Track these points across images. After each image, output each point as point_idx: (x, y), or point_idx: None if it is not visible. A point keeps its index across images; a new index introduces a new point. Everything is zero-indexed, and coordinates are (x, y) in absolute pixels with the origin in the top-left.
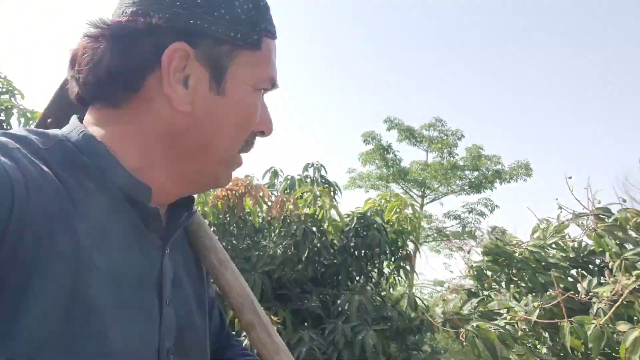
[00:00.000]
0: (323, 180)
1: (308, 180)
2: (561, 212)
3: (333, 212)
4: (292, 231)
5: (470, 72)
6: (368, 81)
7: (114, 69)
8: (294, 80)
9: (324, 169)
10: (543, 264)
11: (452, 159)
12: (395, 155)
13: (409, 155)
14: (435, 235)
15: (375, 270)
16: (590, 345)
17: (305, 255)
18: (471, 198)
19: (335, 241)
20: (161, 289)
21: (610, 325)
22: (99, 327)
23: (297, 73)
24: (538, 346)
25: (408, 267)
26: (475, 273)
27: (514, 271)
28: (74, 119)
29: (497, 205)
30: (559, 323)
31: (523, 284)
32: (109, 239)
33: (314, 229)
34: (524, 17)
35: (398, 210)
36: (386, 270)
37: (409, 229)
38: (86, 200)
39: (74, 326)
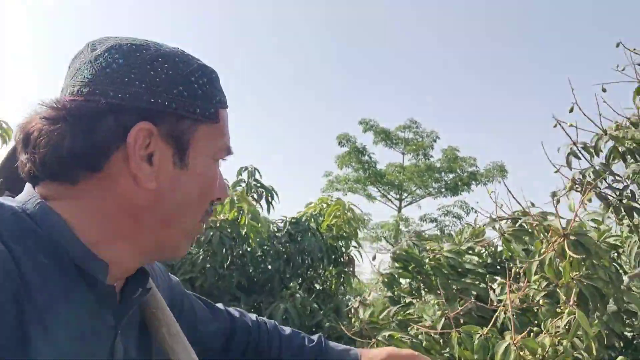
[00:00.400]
0: (258, 185)
1: (242, 184)
2: (477, 215)
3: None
4: (209, 238)
5: (446, 72)
6: (342, 82)
7: (77, 150)
8: (272, 80)
9: (258, 172)
10: (460, 270)
11: (427, 161)
12: (370, 158)
13: (386, 157)
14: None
15: (316, 276)
16: (475, 356)
17: (229, 261)
18: (448, 200)
19: (265, 247)
20: None
21: (497, 336)
22: None
23: (272, 73)
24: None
25: (350, 272)
26: (386, 280)
27: (423, 278)
28: (29, 187)
29: (472, 208)
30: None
31: (436, 291)
32: (59, 322)
33: (235, 235)
34: (507, 17)
35: (338, 214)
36: (329, 275)
37: (349, 232)
38: (38, 277)
39: None
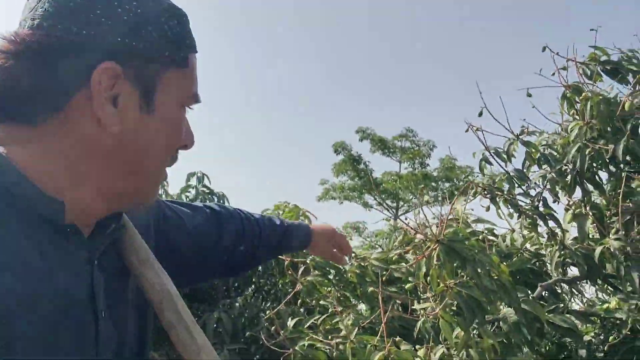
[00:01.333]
0: (207, 191)
1: (191, 190)
2: (408, 222)
3: None
4: None
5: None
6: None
7: (36, 89)
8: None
9: (207, 178)
10: (389, 278)
11: (423, 169)
12: (366, 166)
13: (383, 166)
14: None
15: (270, 284)
16: None
17: None
18: (445, 210)
19: None
20: (94, 302)
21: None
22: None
23: (268, 79)
24: None
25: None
26: (305, 289)
27: (343, 286)
28: None
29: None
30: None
31: (354, 300)
32: (21, 260)
33: None
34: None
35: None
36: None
37: None
38: None
39: None
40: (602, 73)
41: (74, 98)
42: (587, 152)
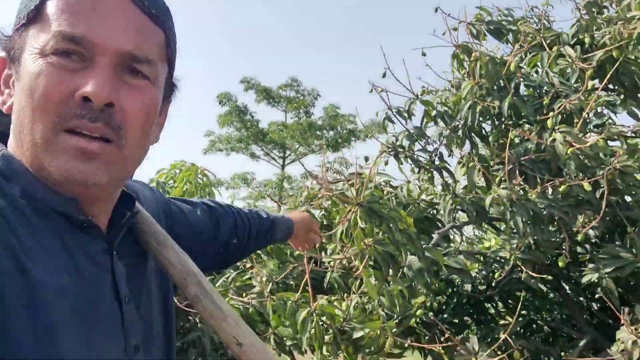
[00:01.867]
0: None
1: None
2: (310, 180)
3: None
4: None
5: (324, 32)
6: (222, 41)
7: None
8: None
9: None
10: None
11: (309, 119)
12: (252, 117)
13: (269, 116)
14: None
15: None
16: (287, 322)
17: None
18: (330, 157)
19: None
20: (117, 289)
21: (308, 301)
22: (56, 347)
23: None
24: None
25: None
26: None
27: None
28: None
29: (351, 164)
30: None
31: (265, 257)
32: (49, 255)
33: None
34: None
35: (190, 180)
36: None
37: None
38: (19, 220)
39: (33, 351)
40: (487, 33)
41: None
42: (477, 109)
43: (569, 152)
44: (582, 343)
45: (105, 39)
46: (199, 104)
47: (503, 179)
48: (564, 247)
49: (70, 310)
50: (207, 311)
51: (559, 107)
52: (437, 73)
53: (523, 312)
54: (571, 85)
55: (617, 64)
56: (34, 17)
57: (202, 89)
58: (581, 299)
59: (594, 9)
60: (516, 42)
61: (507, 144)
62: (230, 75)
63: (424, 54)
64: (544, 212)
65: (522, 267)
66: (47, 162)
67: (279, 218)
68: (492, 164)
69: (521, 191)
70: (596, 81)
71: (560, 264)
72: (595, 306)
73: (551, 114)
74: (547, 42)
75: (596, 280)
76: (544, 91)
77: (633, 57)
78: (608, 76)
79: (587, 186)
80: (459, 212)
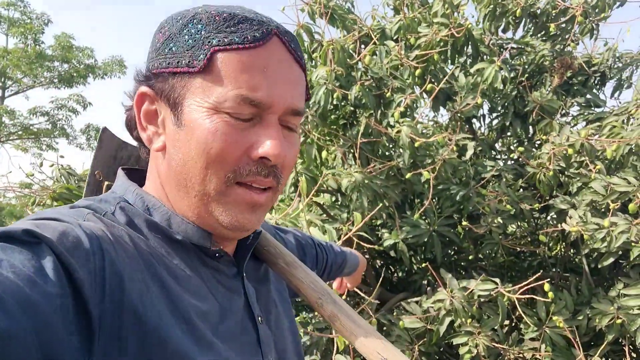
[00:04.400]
0: None
1: None
2: None
3: None
4: None
5: None
6: None
7: (128, 128)
8: None
9: None
10: None
11: (38, 47)
12: None
13: None
14: (21, 132)
15: None
16: None
17: None
18: (62, 93)
19: None
20: (251, 311)
21: None
22: (216, 355)
23: None
24: None
25: None
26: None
27: None
28: (122, 176)
29: (90, 103)
30: None
31: None
32: (188, 283)
33: None
34: None
35: None
36: None
37: None
38: (159, 252)
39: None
40: (319, 16)
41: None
42: (334, 95)
43: (408, 144)
44: (373, 295)
45: (279, 100)
46: None
47: (336, 158)
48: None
49: (213, 332)
50: (345, 329)
51: (399, 101)
52: None
53: None
54: (404, 80)
55: (429, 65)
56: (200, 68)
57: None
58: (367, 256)
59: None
60: (344, 29)
61: (361, 128)
62: None
63: None
64: (381, 192)
65: (360, 242)
66: (219, 212)
67: (348, 254)
68: (325, 143)
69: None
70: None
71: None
72: (378, 263)
73: (398, 108)
74: (375, 34)
75: (392, 244)
76: (383, 84)
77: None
78: (430, 80)
79: (426, 174)
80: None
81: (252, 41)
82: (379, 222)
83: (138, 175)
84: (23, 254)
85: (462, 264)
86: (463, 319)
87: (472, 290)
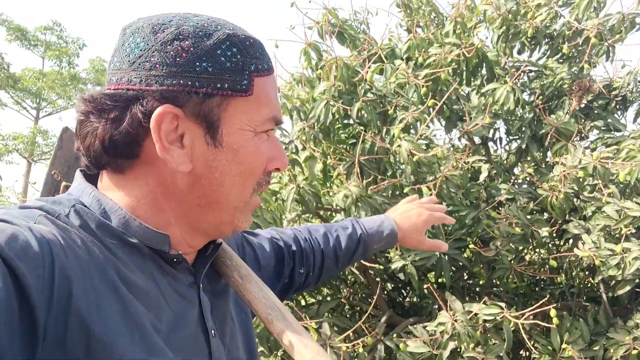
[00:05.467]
0: None
1: None
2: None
3: None
4: None
5: None
6: None
7: (107, 142)
8: None
9: None
10: None
11: (72, 69)
12: (2, 58)
13: (24, 61)
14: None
15: None
16: None
17: None
18: None
19: None
20: (204, 323)
21: None
22: None
23: None
24: None
25: None
26: None
27: None
28: (80, 178)
29: None
30: None
31: None
32: (141, 289)
33: None
34: None
35: None
36: None
37: None
38: (112, 257)
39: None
40: (331, 35)
41: (145, 144)
42: (332, 110)
43: (407, 158)
44: (383, 319)
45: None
46: None
47: (341, 174)
48: None
49: (164, 341)
50: (293, 347)
51: (401, 118)
52: (285, 68)
53: (333, 292)
54: (409, 98)
55: (438, 84)
56: (240, 91)
57: None
58: (377, 279)
59: (411, 28)
60: (354, 47)
61: (360, 144)
62: None
63: (276, 46)
64: (382, 208)
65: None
66: (240, 220)
67: (372, 229)
68: (331, 160)
69: (367, 189)
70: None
71: None
72: (389, 287)
73: (399, 125)
74: (384, 53)
75: (401, 267)
76: (387, 101)
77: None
78: (443, 100)
79: (426, 190)
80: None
81: (271, 68)
82: None
83: (97, 178)
84: None
85: (476, 289)
86: (466, 344)
87: (477, 314)
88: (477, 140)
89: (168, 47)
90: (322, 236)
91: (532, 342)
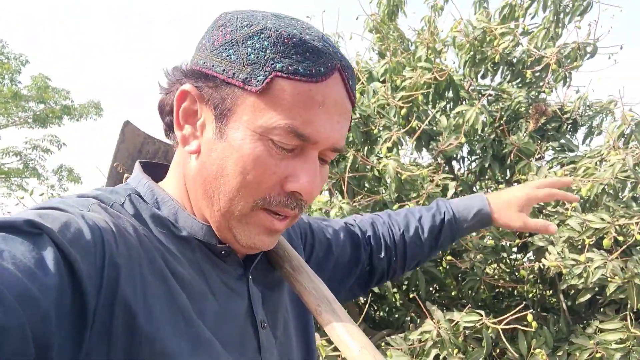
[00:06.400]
0: None
1: None
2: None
3: None
4: None
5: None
6: None
7: (164, 115)
8: None
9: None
10: None
11: (14, 87)
12: None
13: None
14: None
15: None
16: None
17: None
18: (35, 133)
19: None
20: (254, 315)
21: None
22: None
23: None
24: None
25: None
26: None
27: None
28: (137, 169)
29: (64, 143)
30: None
31: None
32: (188, 282)
33: None
34: None
35: None
36: None
37: None
38: (162, 247)
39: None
40: None
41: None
42: None
43: (394, 176)
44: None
45: (327, 138)
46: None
47: (333, 190)
48: None
49: (211, 333)
50: (341, 341)
51: (386, 138)
52: None
53: None
54: (391, 119)
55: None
56: (256, 88)
57: None
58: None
59: (384, 52)
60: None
61: (349, 162)
62: None
63: None
64: None
65: None
66: (237, 231)
67: (459, 210)
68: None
69: (356, 205)
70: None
71: None
72: (361, 301)
73: (385, 144)
74: (363, 76)
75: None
76: (370, 121)
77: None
78: (427, 121)
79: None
80: None
81: (315, 75)
82: None
83: (160, 170)
84: (24, 245)
85: (444, 301)
86: (450, 350)
87: (458, 322)
88: (439, 159)
89: (215, 31)
90: (403, 218)
91: (499, 351)
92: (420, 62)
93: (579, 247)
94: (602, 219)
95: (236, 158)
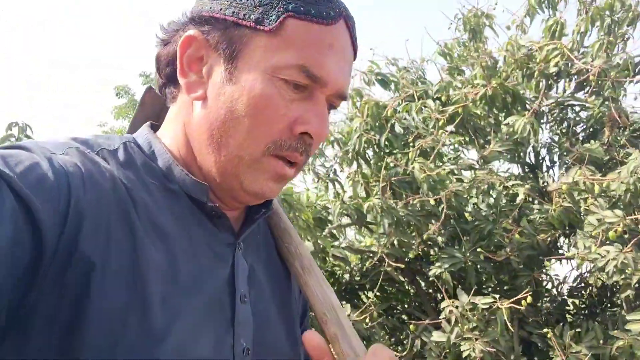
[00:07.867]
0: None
1: (12, 139)
2: None
3: None
4: None
5: None
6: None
7: (161, 67)
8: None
9: (30, 128)
10: None
11: None
12: None
13: None
14: None
15: None
16: None
17: None
18: None
19: None
20: (234, 285)
21: None
22: (158, 332)
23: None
24: None
25: None
26: None
27: None
28: (145, 126)
29: None
30: None
31: None
32: (168, 235)
33: None
34: None
35: None
36: None
37: None
38: (146, 197)
39: (131, 329)
40: (375, 82)
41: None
42: (363, 139)
43: (422, 177)
44: (426, 321)
45: (336, 80)
46: (94, 94)
47: (378, 192)
48: (418, 247)
49: (172, 289)
50: (343, 355)
51: (417, 145)
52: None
53: (386, 297)
54: (429, 129)
55: (461, 116)
56: (268, 28)
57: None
58: (430, 290)
59: (454, 72)
60: (397, 90)
61: (383, 167)
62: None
63: None
64: (404, 219)
65: (387, 259)
66: (245, 177)
67: None
68: (371, 181)
69: (391, 202)
70: (451, 127)
71: (410, 255)
72: (439, 296)
73: (412, 149)
74: (418, 94)
75: (438, 273)
76: (409, 132)
77: (478, 112)
78: (455, 123)
79: (432, 201)
80: (345, 216)
81: (326, 17)
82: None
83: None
84: None
85: (482, 288)
86: (468, 327)
87: (476, 304)
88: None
89: None
90: None
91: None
92: (476, 79)
93: (607, 242)
94: (617, 215)
95: (247, 99)
